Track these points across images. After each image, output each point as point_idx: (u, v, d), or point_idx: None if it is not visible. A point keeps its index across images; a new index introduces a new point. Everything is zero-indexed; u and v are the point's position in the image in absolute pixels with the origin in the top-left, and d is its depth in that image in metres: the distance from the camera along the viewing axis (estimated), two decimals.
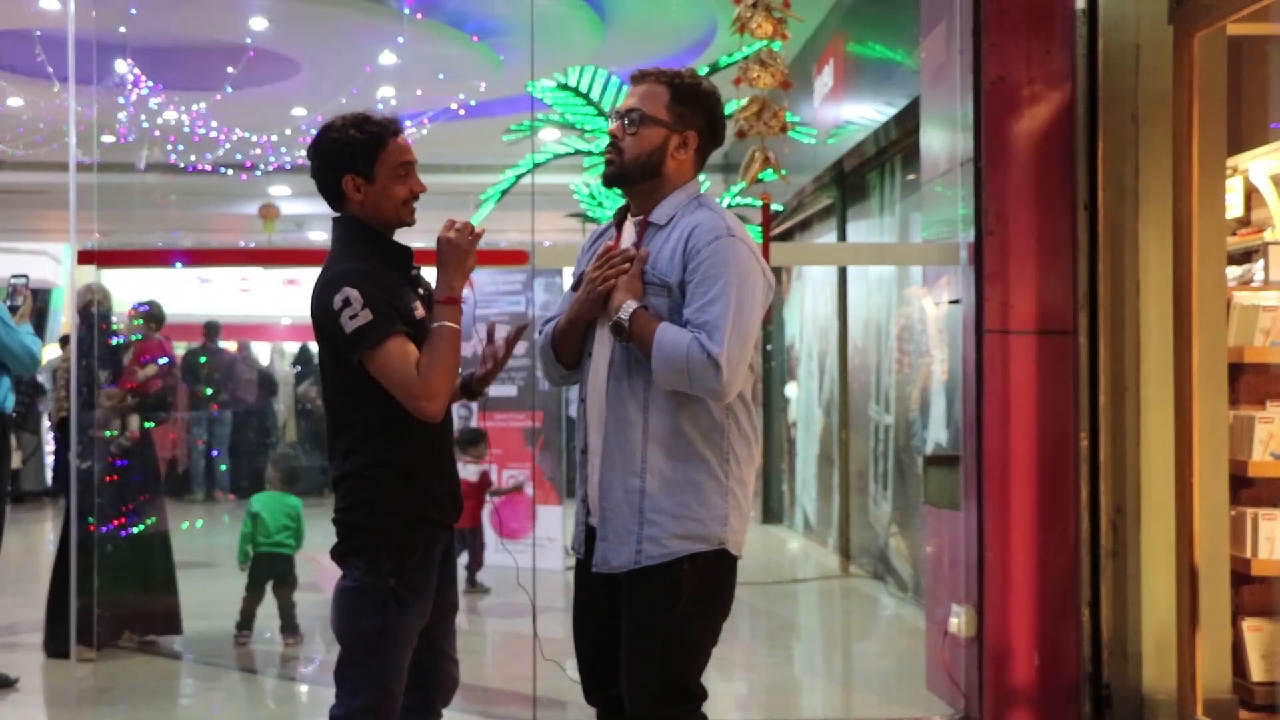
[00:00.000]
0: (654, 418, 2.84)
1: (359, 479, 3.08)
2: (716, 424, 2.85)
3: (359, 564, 3.06)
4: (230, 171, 11.52)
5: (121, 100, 9.40)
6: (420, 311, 3.09)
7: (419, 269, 3.19)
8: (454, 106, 10.46)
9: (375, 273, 3.04)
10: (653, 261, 2.90)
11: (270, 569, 6.44)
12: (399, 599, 3.03)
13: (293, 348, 15.62)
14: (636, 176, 2.94)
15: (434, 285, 3.09)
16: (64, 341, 7.59)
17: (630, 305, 2.84)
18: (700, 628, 2.88)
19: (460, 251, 3.07)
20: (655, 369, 2.81)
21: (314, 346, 3.13)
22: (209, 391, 12.79)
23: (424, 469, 3.09)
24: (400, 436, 3.03)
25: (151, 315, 6.86)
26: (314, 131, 3.20)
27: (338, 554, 3.12)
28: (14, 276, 5.72)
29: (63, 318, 14.54)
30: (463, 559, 7.85)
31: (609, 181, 3.00)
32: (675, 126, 2.91)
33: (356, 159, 3.06)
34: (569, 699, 5.15)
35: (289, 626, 6.42)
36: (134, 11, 7.72)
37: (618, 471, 2.88)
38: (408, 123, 10.31)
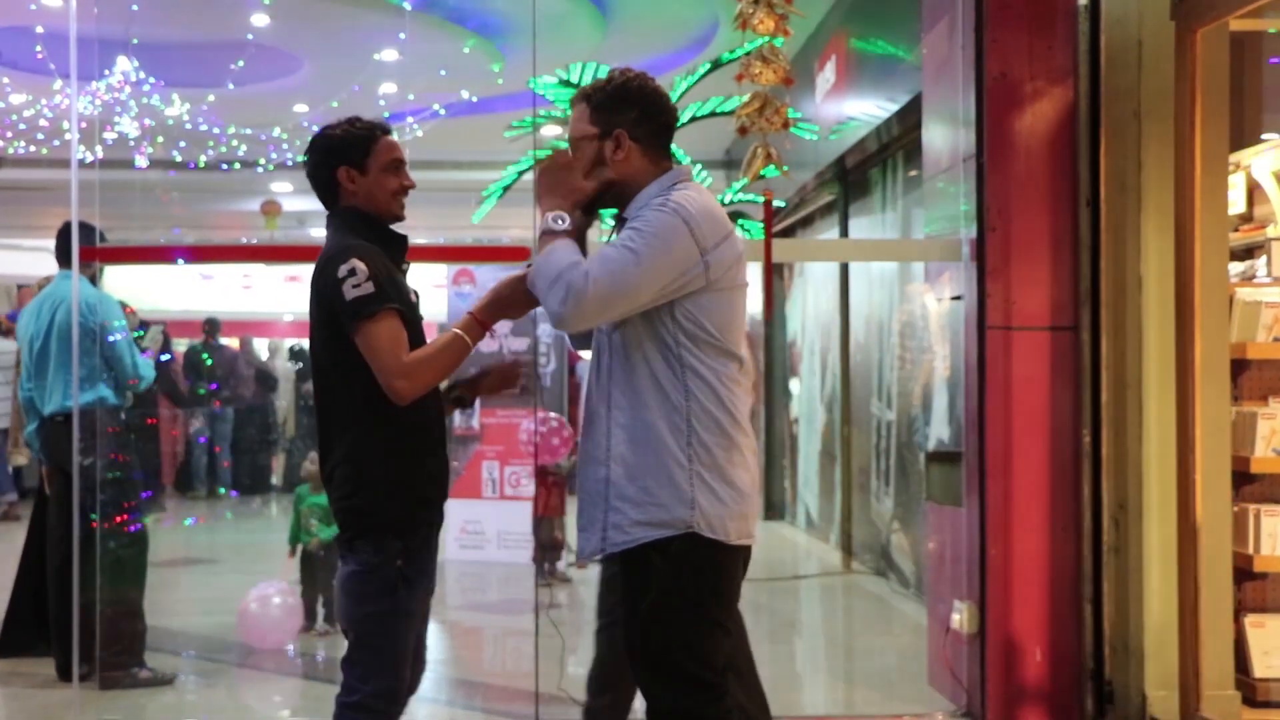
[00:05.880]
0: (617, 408, 2.88)
1: (356, 464, 3.11)
2: (676, 408, 2.85)
3: (367, 547, 3.08)
4: (231, 167, 11.52)
5: (123, 97, 9.40)
6: (413, 295, 3.20)
7: (409, 264, 3.32)
8: (459, 101, 10.44)
9: (377, 252, 3.14)
10: None
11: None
12: (406, 579, 3.09)
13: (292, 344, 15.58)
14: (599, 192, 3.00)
15: (478, 304, 3.12)
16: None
17: (559, 217, 2.90)
18: (686, 615, 2.84)
19: (519, 306, 3.08)
20: (533, 270, 2.88)
21: None
22: (209, 389, 12.79)
23: (419, 449, 3.15)
24: (392, 418, 3.07)
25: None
26: (316, 128, 3.32)
27: (344, 540, 3.14)
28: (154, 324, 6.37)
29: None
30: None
31: (591, 209, 3.06)
32: (601, 134, 2.96)
33: (351, 151, 3.20)
34: (571, 696, 5.15)
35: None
36: (135, 8, 7.72)
37: (589, 463, 2.94)
38: (409, 119, 10.32)
